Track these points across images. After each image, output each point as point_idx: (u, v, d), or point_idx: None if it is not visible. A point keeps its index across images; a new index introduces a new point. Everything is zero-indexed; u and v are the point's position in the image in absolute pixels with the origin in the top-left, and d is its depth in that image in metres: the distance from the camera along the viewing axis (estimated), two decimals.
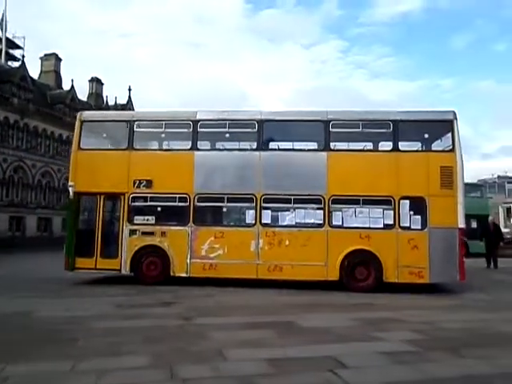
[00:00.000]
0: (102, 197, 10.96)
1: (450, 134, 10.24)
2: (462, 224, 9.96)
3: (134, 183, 10.80)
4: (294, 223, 10.40)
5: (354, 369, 4.56)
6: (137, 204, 10.87)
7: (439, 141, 10.77)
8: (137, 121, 11.03)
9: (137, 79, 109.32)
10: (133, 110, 43.81)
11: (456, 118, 10.25)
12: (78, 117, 11.27)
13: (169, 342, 5.55)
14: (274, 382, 4.26)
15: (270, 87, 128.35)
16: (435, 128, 10.67)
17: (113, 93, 58.53)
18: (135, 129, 10.97)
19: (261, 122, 10.64)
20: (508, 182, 48.99)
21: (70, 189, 10.96)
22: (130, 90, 44.63)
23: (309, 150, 11.08)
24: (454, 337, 6.06)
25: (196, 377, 4.34)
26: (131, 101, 44.31)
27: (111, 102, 42.66)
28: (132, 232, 10.68)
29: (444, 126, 10.38)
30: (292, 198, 10.43)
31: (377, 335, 5.98)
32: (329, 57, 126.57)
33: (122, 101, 43.66)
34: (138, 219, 10.76)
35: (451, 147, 10.19)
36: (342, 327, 6.50)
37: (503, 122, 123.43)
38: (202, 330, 6.21)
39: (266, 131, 10.68)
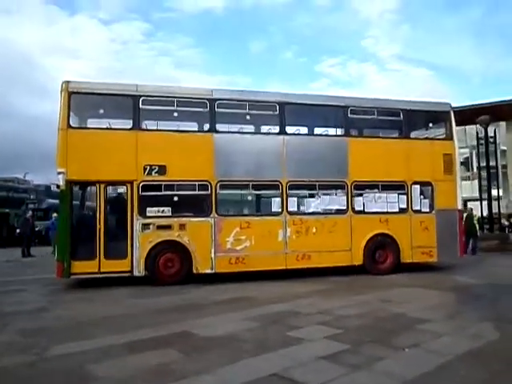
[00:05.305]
0: (103, 186, 9.15)
1: (448, 124, 11.18)
2: (460, 206, 11.05)
3: (145, 169, 9.25)
4: (320, 210, 10.20)
5: None
6: (149, 194, 9.30)
7: (439, 130, 11.63)
8: (143, 96, 9.38)
9: None
10: None
11: (452, 109, 11.23)
12: (63, 86, 9.06)
13: None
14: None
15: (68, 62, 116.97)
16: (436, 118, 11.51)
17: None
18: (141, 105, 9.34)
19: (282, 105, 10.07)
20: None
21: (60, 177, 8.86)
22: None
23: (332, 136, 10.94)
24: (364, 325, 5.90)
25: None
26: None
27: None
28: (145, 226, 9.17)
29: (443, 115, 11.26)
30: (317, 184, 10.22)
31: (294, 336, 5.33)
32: (131, 38, 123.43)
33: None
34: (152, 211, 9.27)
35: (450, 136, 11.14)
36: (247, 331, 5.63)
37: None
38: (72, 364, 4.45)
39: (287, 114, 10.15)
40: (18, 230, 22.57)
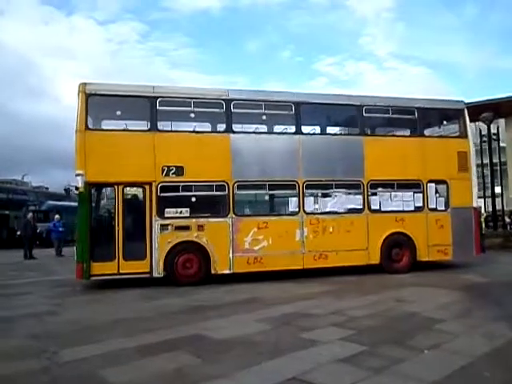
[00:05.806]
0: (121, 187, 9.08)
1: (462, 122, 11.19)
2: (475, 204, 11.07)
3: (163, 170, 9.18)
4: (336, 209, 10.18)
5: None
6: (167, 194, 9.24)
7: (453, 128, 11.64)
8: (160, 97, 9.30)
9: None
10: None
11: (466, 107, 11.26)
12: (80, 88, 8.97)
13: None
14: None
15: (65, 62, 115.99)
16: (449, 116, 11.53)
17: None
18: (158, 107, 9.27)
19: (298, 105, 10.04)
20: None
21: (79, 178, 8.77)
22: None
23: (347, 135, 10.93)
24: (379, 325, 5.82)
25: None
26: None
27: None
28: (163, 227, 9.10)
29: (457, 113, 11.27)
30: (333, 183, 10.20)
31: (309, 337, 5.23)
32: (127, 38, 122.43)
33: None
34: (170, 212, 9.21)
35: (464, 133, 11.16)
36: (262, 333, 5.52)
37: None
38: (86, 370, 4.29)
39: (303, 114, 10.12)
40: (18, 232, 22.38)
